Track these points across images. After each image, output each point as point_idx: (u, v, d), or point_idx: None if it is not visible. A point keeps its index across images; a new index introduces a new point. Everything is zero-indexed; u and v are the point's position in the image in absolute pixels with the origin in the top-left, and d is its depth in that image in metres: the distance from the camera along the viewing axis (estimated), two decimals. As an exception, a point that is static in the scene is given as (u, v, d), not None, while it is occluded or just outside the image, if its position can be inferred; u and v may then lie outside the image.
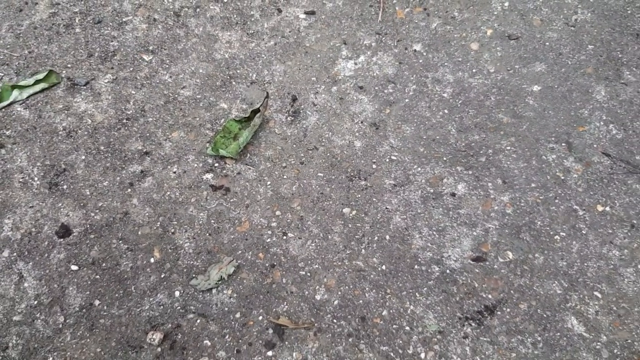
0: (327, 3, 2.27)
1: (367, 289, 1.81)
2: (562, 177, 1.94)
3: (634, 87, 2.08)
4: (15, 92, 2.05)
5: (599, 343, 1.74)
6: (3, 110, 2.04)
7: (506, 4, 2.25)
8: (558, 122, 2.03)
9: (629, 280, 1.81)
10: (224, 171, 1.97)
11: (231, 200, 1.93)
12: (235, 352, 1.72)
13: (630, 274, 1.81)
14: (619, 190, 1.92)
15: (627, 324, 1.76)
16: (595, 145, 1.99)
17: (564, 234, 1.87)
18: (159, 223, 1.89)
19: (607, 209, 1.90)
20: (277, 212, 1.91)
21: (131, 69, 2.14)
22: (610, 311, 1.77)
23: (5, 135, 2.00)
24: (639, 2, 2.24)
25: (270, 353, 1.72)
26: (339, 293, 1.80)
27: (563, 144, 1.99)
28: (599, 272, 1.82)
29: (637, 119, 2.02)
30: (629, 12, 2.22)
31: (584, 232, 1.87)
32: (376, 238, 1.87)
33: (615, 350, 1.72)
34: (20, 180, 1.93)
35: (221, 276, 1.80)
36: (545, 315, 1.77)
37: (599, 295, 1.79)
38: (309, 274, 1.83)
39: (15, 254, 1.83)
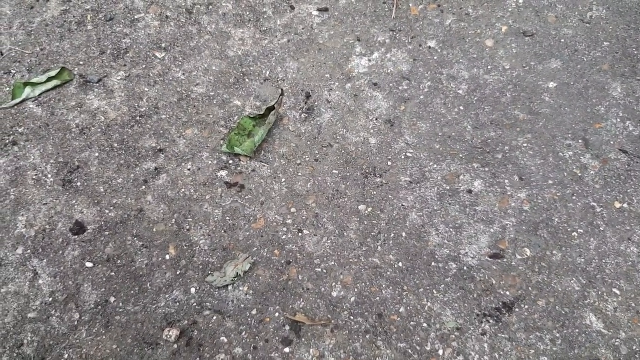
0: (340, 0, 2.26)
1: (384, 286, 1.80)
2: (580, 174, 1.93)
3: (651, 83, 2.07)
4: (28, 90, 2.05)
5: (618, 340, 1.72)
6: (16, 107, 2.03)
7: (521, 1, 2.24)
8: (574, 119, 2.02)
9: (648, 277, 1.79)
10: (239, 168, 1.96)
11: (246, 197, 1.92)
12: (252, 348, 1.71)
13: (649, 271, 1.80)
14: (636, 187, 1.91)
15: (647, 321, 1.74)
16: (612, 142, 1.98)
17: (581, 230, 1.85)
18: (174, 220, 1.88)
19: (625, 205, 1.88)
20: (293, 209, 1.90)
21: (144, 66, 2.13)
22: (629, 308, 1.76)
23: (18, 133, 1.99)
24: (654, -1, 2.23)
25: (287, 350, 1.71)
26: (356, 290, 1.79)
27: (580, 141, 1.98)
28: (617, 269, 1.80)
29: (654, 115, 2.01)
30: (644, 8, 2.21)
31: (602, 229, 1.85)
32: (392, 235, 1.86)
33: (634, 347, 1.71)
34: (34, 177, 1.92)
35: (237, 273, 1.79)
36: (563, 312, 1.76)
37: (618, 292, 1.78)
38: (325, 271, 1.81)
39: (29, 251, 1.82)
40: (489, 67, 2.12)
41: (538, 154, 1.96)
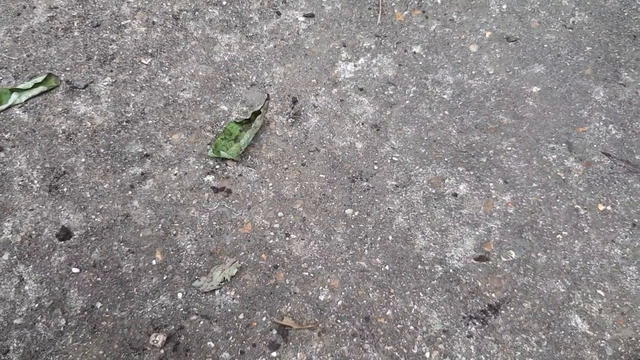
0: (326, 6, 2.28)
1: (370, 289, 1.80)
2: (563, 177, 1.95)
3: (632, 87, 2.09)
4: (14, 96, 2.04)
5: (603, 341, 1.74)
6: (2, 113, 2.03)
7: (504, 6, 2.26)
8: (558, 123, 2.04)
9: (631, 278, 1.81)
10: (226, 173, 1.97)
11: (233, 201, 1.92)
12: (239, 353, 1.71)
13: (632, 272, 1.82)
14: (619, 190, 1.93)
15: (631, 322, 1.76)
16: (595, 145, 2.00)
17: (566, 233, 1.87)
18: (160, 225, 1.88)
19: (609, 208, 1.91)
20: (280, 214, 1.90)
21: (130, 71, 2.13)
22: (614, 309, 1.77)
23: (4, 139, 1.98)
24: (635, 4, 2.26)
25: (274, 354, 1.71)
26: (343, 293, 1.80)
27: (563, 144, 2.00)
28: (601, 270, 1.82)
29: (636, 119, 2.03)
30: (625, 14, 2.24)
31: (585, 231, 1.87)
32: (379, 238, 1.87)
33: (619, 348, 1.72)
34: (20, 183, 1.92)
35: (224, 277, 1.79)
36: (549, 314, 1.77)
37: (602, 294, 1.80)
38: (312, 275, 1.82)
39: (15, 256, 1.81)
40: (473, 72, 2.14)
41: (522, 157, 1.98)
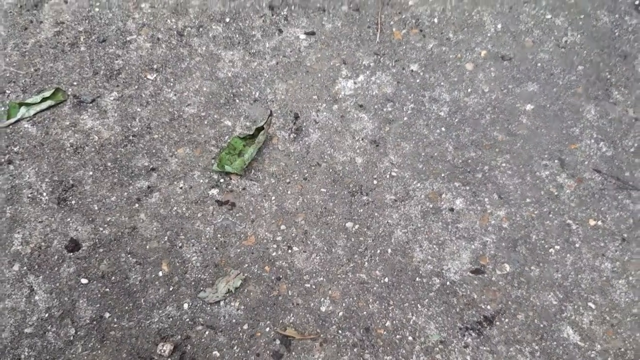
0: (327, 24, 2.34)
1: (370, 300, 1.87)
2: (556, 193, 2.02)
3: (622, 106, 2.17)
4: (23, 109, 2.10)
5: (593, 352, 1.81)
6: (11, 127, 2.08)
7: (499, 25, 2.34)
8: (551, 140, 2.11)
9: (621, 291, 1.88)
10: (230, 187, 2.03)
11: (237, 215, 1.98)
12: (244, 362, 1.77)
13: (622, 285, 1.89)
14: (610, 205, 2.01)
15: (620, 333, 1.83)
16: (586, 162, 2.07)
17: (558, 247, 1.94)
18: (166, 237, 1.93)
19: (599, 223, 1.98)
20: (282, 227, 1.97)
21: (136, 86, 2.19)
22: (604, 321, 1.85)
23: (13, 152, 2.03)
24: (625, 25, 2.34)
25: (278, 363, 1.77)
26: (344, 305, 1.86)
27: (556, 161, 2.07)
28: (592, 283, 1.90)
29: (625, 136, 2.11)
30: (616, 34, 2.32)
31: (577, 245, 1.94)
32: (378, 251, 1.93)
33: (609, 359, 1.80)
34: (29, 195, 1.97)
35: (229, 289, 1.85)
36: (542, 325, 1.84)
37: (593, 306, 1.87)
38: (314, 287, 1.88)
39: (25, 267, 1.86)
40: (469, 90, 2.21)
41: (516, 173, 2.05)
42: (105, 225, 1.94)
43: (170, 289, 1.86)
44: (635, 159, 2.07)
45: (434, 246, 1.94)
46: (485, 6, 2.37)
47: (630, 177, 2.04)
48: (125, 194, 1.99)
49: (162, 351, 1.75)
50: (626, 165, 2.07)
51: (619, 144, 2.10)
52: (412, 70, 2.26)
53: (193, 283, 1.87)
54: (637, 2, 2.40)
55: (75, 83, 2.18)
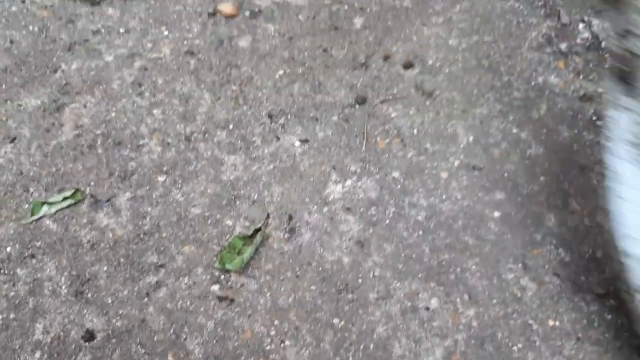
0: (319, 133, 2.63)
1: (354, 392, 2.10)
2: (519, 295, 2.28)
3: (579, 215, 2.45)
4: (45, 208, 2.34)
5: None
6: (34, 223, 2.32)
7: (471, 138, 2.64)
8: (515, 245, 2.38)
9: (575, 387, 2.13)
10: (229, 283, 2.26)
11: (235, 309, 2.21)
12: None
13: (576, 381, 2.14)
14: (567, 307, 2.26)
15: None
16: (546, 266, 2.34)
17: (520, 345, 2.18)
18: (172, 330, 2.15)
19: (557, 323, 2.23)
20: (276, 322, 2.20)
21: (147, 187, 2.44)
22: (560, 414, 2.09)
23: (35, 247, 2.27)
24: (584, 140, 2.65)
25: None
26: (330, 396, 2.09)
27: (520, 265, 2.34)
28: (550, 379, 2.14)
29: (581, 244, 2.38)
30: (575, 148, 2.62)
31: (537, 344, 2.19)
32: (362, 347, 2.16)
33: None
34: (50, 288, 2.19)
35: (228, 380, 2.07)
36: (505, 417, 2.08)
37: (550, 400, 2.11)
38: (303, 378, 2.11)
39: (45, 355, 2.07)
40: (444, 197, 2.49)
41: (484, 275, 2.31)
42: (118, 318, 2.16)
43: (175, 379, 2.08)
44: (589, 265, 2.35)
45: (412, 342, 2.18)
46: (459, 120, 2.68)
47: (585, 282, 2.31)
48: (136, 288, 2.22)
49: None
50: (581, 270, 2.33)
51: (575, 250, 2.37)
52: (393, 177, 2.54)
53: (195, 373, 2.09)
54: (594, 118, 2.72)
55: (92, 183, 2.43)
